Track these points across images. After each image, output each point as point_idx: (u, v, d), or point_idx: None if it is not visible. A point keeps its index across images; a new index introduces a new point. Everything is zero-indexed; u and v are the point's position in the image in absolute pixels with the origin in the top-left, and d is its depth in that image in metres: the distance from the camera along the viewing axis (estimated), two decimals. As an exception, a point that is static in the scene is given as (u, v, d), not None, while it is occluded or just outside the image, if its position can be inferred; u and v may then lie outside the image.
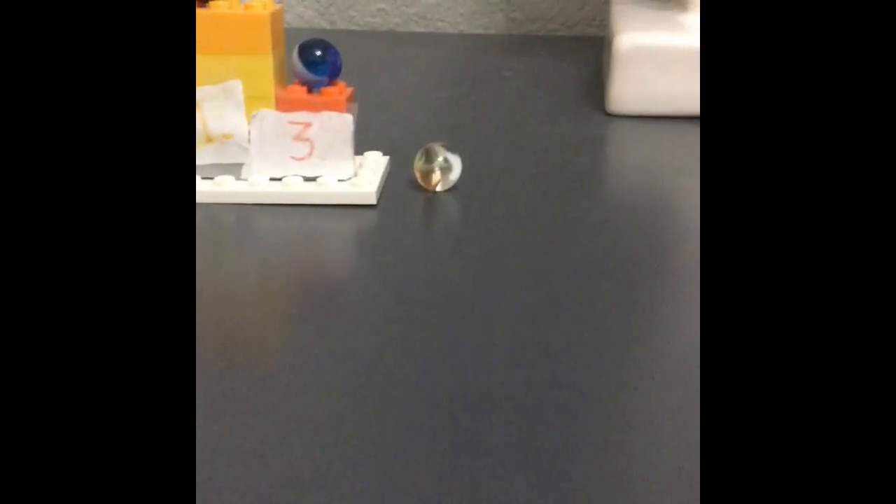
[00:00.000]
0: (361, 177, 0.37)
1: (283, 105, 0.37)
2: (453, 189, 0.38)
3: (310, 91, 0.37)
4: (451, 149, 0.38)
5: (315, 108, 0.36)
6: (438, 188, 0.38)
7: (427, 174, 0.38)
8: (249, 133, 0.36)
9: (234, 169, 0.37)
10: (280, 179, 0.37)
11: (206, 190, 0.36)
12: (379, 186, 0.37)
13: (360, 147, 0.40)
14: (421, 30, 0.77)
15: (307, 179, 0.37)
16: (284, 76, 0.38)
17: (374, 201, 0.36)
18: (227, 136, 0.36)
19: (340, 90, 0.37)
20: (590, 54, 0.67)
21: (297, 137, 0.36)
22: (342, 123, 0.36)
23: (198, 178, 0.37)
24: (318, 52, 0.36)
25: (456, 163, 0.38)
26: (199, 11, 0.35)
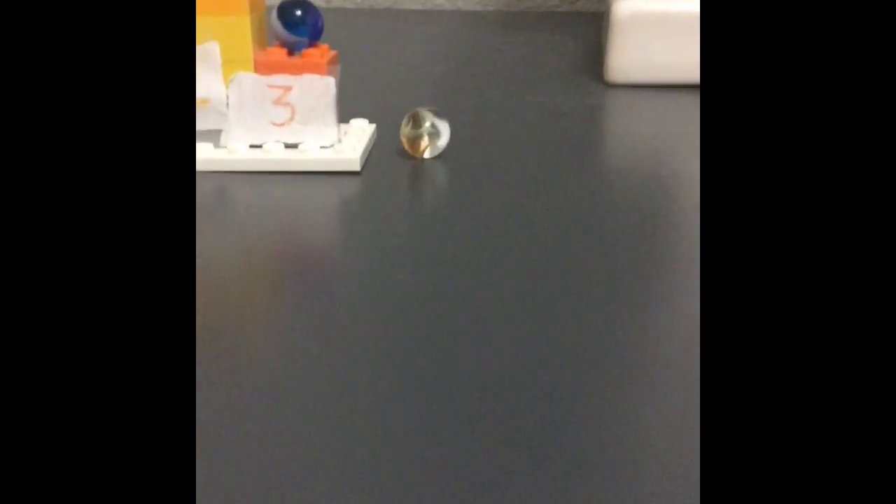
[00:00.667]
0: (345, 143, 0.35)
1: (263, 68, 0.35)
2: (441, 156, 0.37)
3: (290, 53, 0.35)
4: (439, 114, 0.36)
5: (296, 70, 0.35)
6: (426, 155, 0.36)
7: (414, 140, 0.36)
8: (227, 98, 0.35)
9: (213, 136, 0.35)
10: (260, 146, 0.35)
11: (183, 157, 0.35)
12: (364, 153, 0.36)
13: (346, 115, 0.38)
14: (419, 7, 0.76)
15: (288, 146, 0.35)
16: (264, 38, 0.37)
17: (357, 168, 0.35)
18: (203, 102, 0.35)
19: (322, 52, 0.36)
20: (589, 28, 0.65)
21: (278, 102, 0.35)
22: (324, 87, 0.34)
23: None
24: (299, 13, 0.35)
25: (444, 129, 0.36)
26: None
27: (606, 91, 0.47)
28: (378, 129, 0.39)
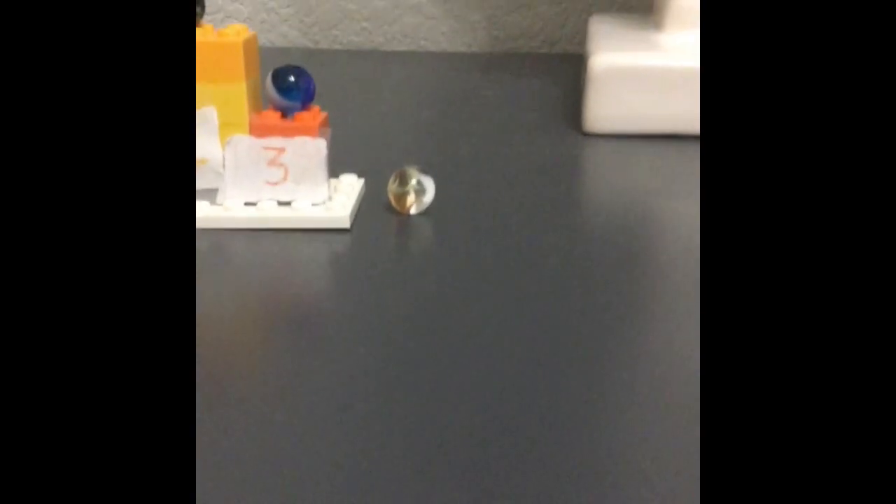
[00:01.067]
0: (335, 200, 0.37)
1: (257, 130, 0.37)
2: (427, 212, 0.39)
3: (283, 116, 0.37)
4: (424, 171, 0.38)
5: (289, 133, 0.37)
6: (412, 211, 0.38)
7: (401, 197, 0.38)
8: (224, 158, 0.37)
9: (209, 194, 0.37)
10: (255, 204, 0.37)
11: (182, 215, 0.36)
12: (353, 210, 0.37)
13: (335, 169, 0.40)
14: (404, 48, 0.78)
15: (281, 204, 0.37)
16: (259, 102, 0.39)
17: (347, 225, 0.37)
18: (201, 162, 0.37)
19: (314, 115, 0.38)
20: (571, 72, 0.67)
21: (272, 162, 0.37)
22: (316, 148, 0.36)
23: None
24: (292, 78, 0.37)
25: (430, 185, 0.38)
26: (173, 39, 0.36)
27: (585, 141, 0.49)
28: (366, 182, 0.41)
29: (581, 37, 0.76)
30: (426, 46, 0.78)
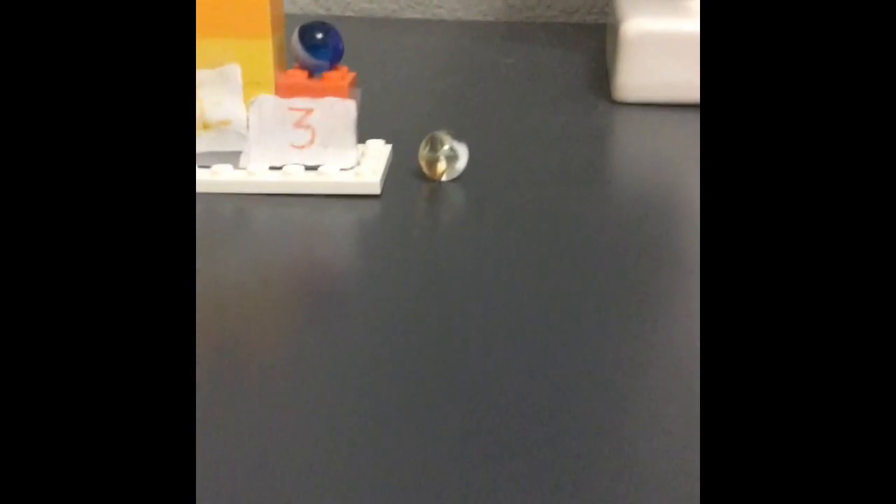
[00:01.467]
0: (365, 165, 0.35)
1: (283, 90, 0.35)
2: (459, 179, 0.37)
3: (310, 76, 0.35)
4: (457, 137, 0.36)
5: (316, 93, 0.35)
6: (444, 178, 0.36)
7: (432, 163, 0.36)
8: (248, 120, 0.35)
9: (232, 157, 0.35)
10: (280, 168, 0.35)
11: (203, 179, 0.35)
12: (383, 176, 0.36)
13: (361, 135, 0.38)
14: (418, 16, 0.76)
15: (308, 168, 0.35)
16: (284, 60, 0.37)
17: (378, 191, 0.35)
18: (224, 123, 0.35)
19: (343, 75, 0.36)
20: (591, 42, 0.65)
21: (298, 124, 0.35)
22: (345, 110, 0.34)
23: (194, 166, 0.35)
24: (320, 35, 0.35)
25: (462, 152, 0.36)
26: (195, -8, 0.34)
27: (615, 110, 0.48)
28: (393, 149, 0.39)
29: (599, 7, 0.74)
30: (440, 15, 0.76)
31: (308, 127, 0.35)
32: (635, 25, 0.47)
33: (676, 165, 0.40)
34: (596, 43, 0.65)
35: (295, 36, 0.35)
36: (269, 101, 0.34)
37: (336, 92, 0.35)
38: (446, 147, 0.36)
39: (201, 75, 0.34)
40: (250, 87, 0.35)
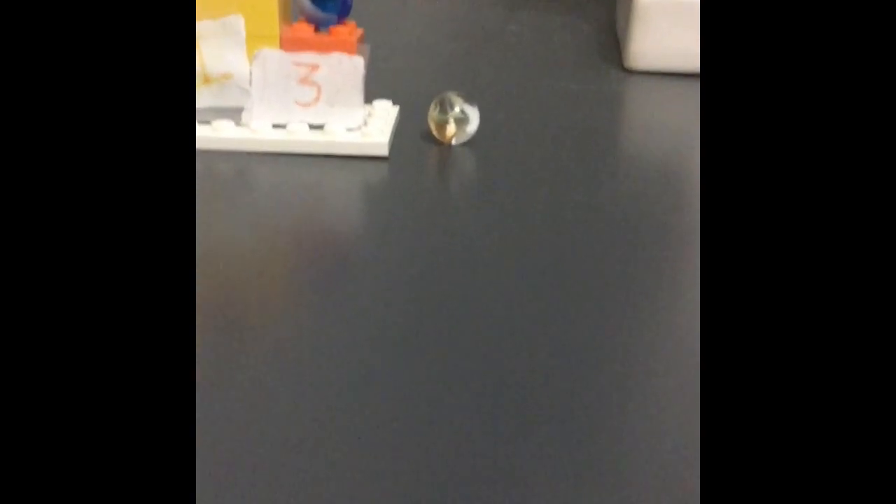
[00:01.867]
0: (371, 126, 0.34)
1: (289, 45, 0.33)
2: (469, 143, 0.35)
3: (317, 30, 0.34)
4: (468, 99, 0.35)
5: (323, 48, 0.33)
6: (454, 141, 0.35)
7: (442, 125, 0.35)
8: (251, 74, 0.33)
9: (234, 113, 0.34)
10: (283, 126, 0.34)
11: (203, 135, 0.33)
12: (390, 137, 0.34)
13: (368, 95, 0.37)
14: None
15: (313, 127, 0.34)
16: (289, 13, 0.35)
17: (385, 152, 0.33)
18: (226, 77, 0.33)
19: (351, 30, 0.34)
20: (598, 9, 0.64)
21: (303, 80, 0.33)
22: (353, 67, 0.33)
23: (193, 122, 0.34)
24: (328, -12, 0.33)
25: (473, 115, 0.35)
26: (198, -62, 0.32)
27: (627, 77, 0.46)
28: (400, 111, 0.38)
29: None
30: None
31: (314, 83, 0.33)
32: (650, -9, 0.46)
33: (687, 133, 0.38)
34: (603, 11, 0.63)
35: (302, -12, 0.33)
36: (273, 55, 0.33)
37: (344, 47, 0.33)
38: (457, 109, 0.35)
39: (202, 26, 0.33)
40: (254, 40, 0.33)
